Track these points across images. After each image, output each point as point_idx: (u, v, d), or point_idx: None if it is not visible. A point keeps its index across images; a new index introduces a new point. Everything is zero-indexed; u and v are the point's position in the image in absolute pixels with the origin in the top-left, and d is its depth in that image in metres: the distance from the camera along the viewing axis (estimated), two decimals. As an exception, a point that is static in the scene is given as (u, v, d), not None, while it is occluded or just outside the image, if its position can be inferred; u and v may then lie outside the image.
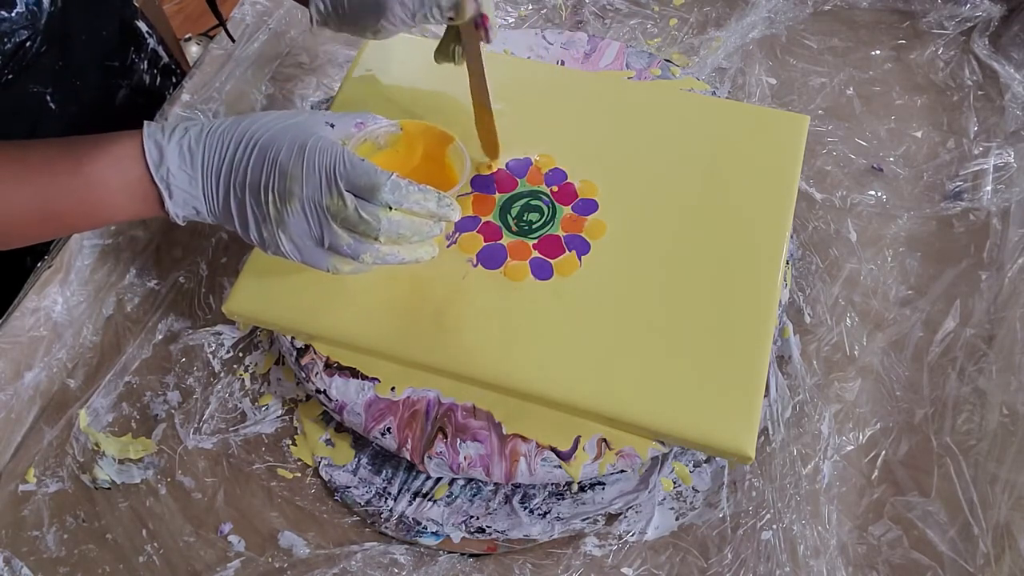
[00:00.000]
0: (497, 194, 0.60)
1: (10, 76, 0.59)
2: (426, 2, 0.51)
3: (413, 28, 0.53)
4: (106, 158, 0.46)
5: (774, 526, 0.53)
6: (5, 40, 0.57)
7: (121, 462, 0.59)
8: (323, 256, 0.47)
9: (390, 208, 0.45)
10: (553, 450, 0.52)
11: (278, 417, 0.60)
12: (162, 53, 0.78)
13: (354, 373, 0.56)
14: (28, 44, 0.59)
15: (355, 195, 0.45)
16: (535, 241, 0.58)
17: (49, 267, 0.60)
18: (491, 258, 0.57)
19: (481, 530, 0.54)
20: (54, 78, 0.63)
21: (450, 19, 0.52)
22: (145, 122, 0.46)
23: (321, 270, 0.48)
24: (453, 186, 0.52)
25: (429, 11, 0.51)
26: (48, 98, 0.63)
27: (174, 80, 0.78)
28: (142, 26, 0.74)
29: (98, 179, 0.46)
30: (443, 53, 0.58)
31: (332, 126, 0.48)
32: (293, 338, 0.57)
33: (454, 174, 0.54)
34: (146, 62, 0.75)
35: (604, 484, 0.55)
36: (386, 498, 0.56)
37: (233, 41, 0.71)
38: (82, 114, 0.67)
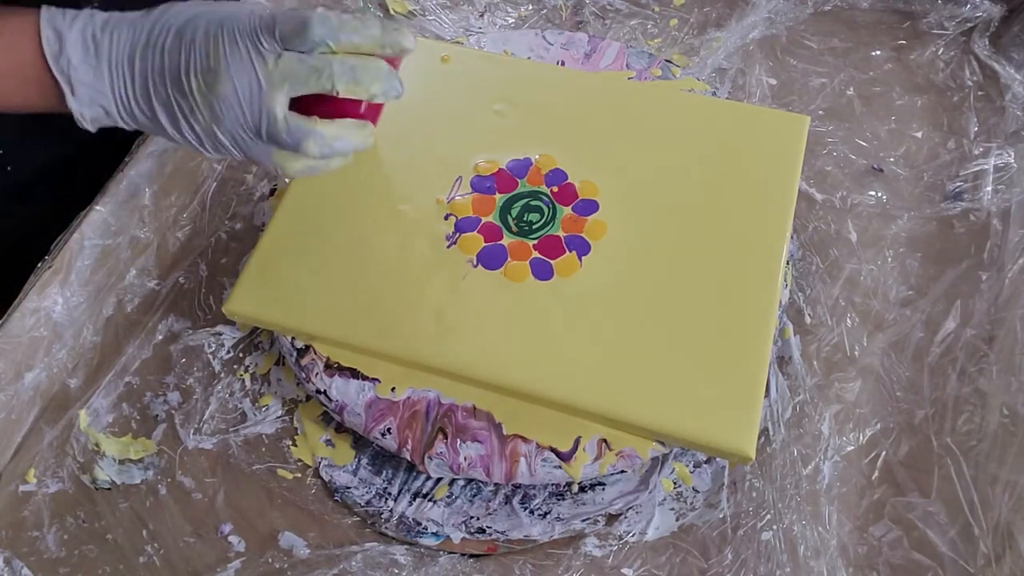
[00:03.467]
0: (497, 194, 0.60)
1: None
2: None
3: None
4: None
5: (774, 527, 0.53)
6: None
7: (121, 462, 0.59)
8: (266, 150, 0.42)
9: (330, 49, 0.39)
10: (553, 450, 0.52)
11: (278, 417, 0.60)
12: None
13: (354, 373, 0.56)
14: None
15: (289, 49, 0.40)
16: (535, 241, 0.58)
17: (49, 267, 0.60)
18: (491, 258, 0.57)
19: (481, 530, 0.54)
20: None
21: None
22: (43, 6, 0.41)
23: (269, 168, 0.43)
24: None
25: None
26: None
27: None
28: None
29: None
30: None
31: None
32: (293, 338, 0.57)
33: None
34: None
35: (604, 484, 0.55)
36: (386, 498, 0.56)
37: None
38: None
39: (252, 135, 0.41)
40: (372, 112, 0.44)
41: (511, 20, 0.81)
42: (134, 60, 0.41)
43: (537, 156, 0.62)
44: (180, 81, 0.40)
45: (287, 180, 0.62)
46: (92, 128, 0.43)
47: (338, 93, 0.41)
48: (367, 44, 0.41)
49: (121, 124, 0.43)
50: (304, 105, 0.42)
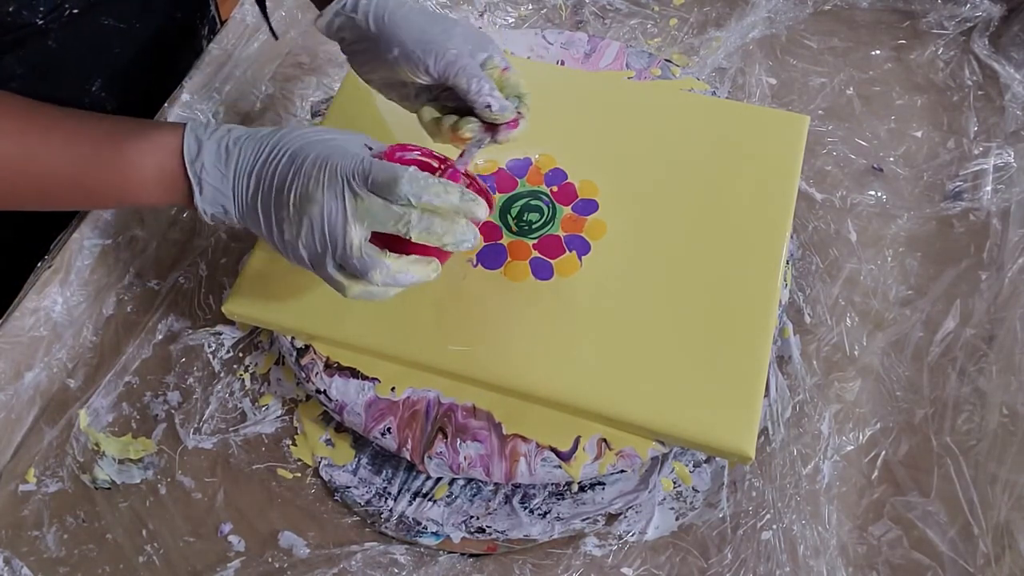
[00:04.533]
0: (497, 194, 0.60)
1: (75, 11, 0.60)
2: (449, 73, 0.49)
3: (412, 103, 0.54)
4: (146, 143, 0.48)
5: (774, 526, 0.53)
6: None
7: (121, 462, 0.59)
8: (331, 271, 0.46)
9: (412, 204, 0.44)
10: (553, 450, 0.52)
11: (278, 417, 0.60)
12: (218, 22, 0.79)
13: (354, 373, 0.56)
14: None
15: (377, 195, 0.44)
16: (535, 241, 0.58)
17: (49, 267, 0.60)
18: (491, 258, 0.57)
19: (481, 530, 0.54)
20: (125, 14, 0.65)
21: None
22: (190, 120, 0.47)
23: (331, 286, 0.47)
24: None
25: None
26: (116, 31, 0.64)
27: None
28: None
29: (134, 161, 0.48)
30: (435, 125, 0.54)
31: (370, 148, 0.47)
32: (293, 338, 0.57)
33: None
34: (206, 28, 0.76)
35: (604, 484, 0.55)
36: (386, 498, 0.56)
37: (276, 38, 0.70)
38: (143, 55, 0.68)
39: (328, 255, 0.46)
40: (442, 252, 0.48)
41: (511, 20, 0.81)
42: (253, 171, 0.47)
43: (537, 156, 0.62)
44: (282, 196, 0.46)
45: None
46: (211, 223, 0.49)
47: (411, 239, 0.45)
48: (445, 208, 0.45)
49: (234, 222, 0.49)
50: (382, 237, 0.46)
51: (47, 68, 0.61)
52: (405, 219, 0.44)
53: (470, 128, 0.51)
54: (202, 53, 0.71)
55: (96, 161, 0.48)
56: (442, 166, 0.50)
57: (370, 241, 0.45)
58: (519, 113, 0.51)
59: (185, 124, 0.48)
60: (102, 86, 0.66)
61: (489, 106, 0.49)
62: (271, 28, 0.68)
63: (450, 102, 0.53)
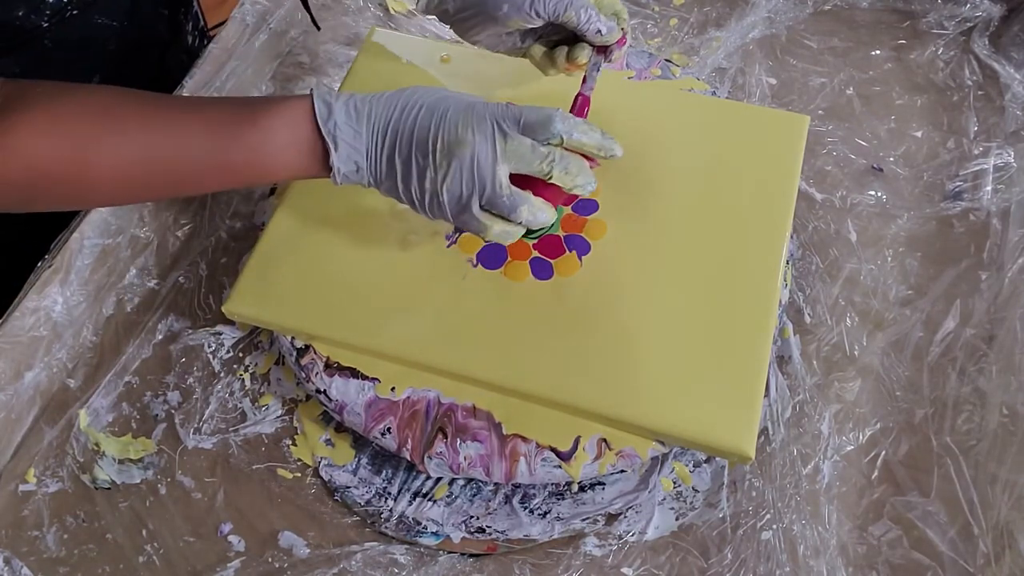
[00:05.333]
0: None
1: (75, 11, 0.61)
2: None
3: (519, 45, 0.57)
4: (278, 116, 0.49)
5: (774, 526, 0.53)
6: None
7: (121, 462, 0.59)
8: (476, 213, 0.48)
9: (561, 143, 0.47)
10: (553, 450, 0.52)
11: (278, 417, 0.60)
12: (201, 18, 0.80)
13: (354, 373, 0.56)
14: None
15: (526, 136, 0.47)
16: (535, 241, 0.58)
17: (49, 267, 0.60)
18: (491, 258, 0.57)
19: (481, 530, 0.54)
20: (117, 12, 0.66)
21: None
22: (313, 86, 0.50)
23: (470, 230, 0.49)
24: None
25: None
26: (110, 29, 0.66)
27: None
28: None
29: (271, 134, 0.49)
30: (548, 60, 0.58)
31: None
32: (293, 338, 0.57)
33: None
34: (190, 24, 0.78)
35: (604, 484, 0.55)
36: (386, 498, 0.56)
37: (319, 28, 0.72)
38: (136, 51, 0.69)
39: (475, 196, 0.48)
40: (558, 198, 0.50)
41: (511, 20, 0.81)
42: (388, 125, 0.48)
43: (537, 156, 0.62)
44: (426, 144, 0.48)
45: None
46: (340, 183, 0.50)
47: (549, 178, 0.48)
48: (591, 144, 0.49)
49: (365, 180, 0.50)
50: (512, 181, 0.49)
51: (44, 68, 0.61)
52: (550, 158, 0.47)
53: (585, 53, 0.55)
54: (188, 49, 0.72)
55: (235, 142, 0.49)
56: None
57: None
58: (623, 31, 0.55)
59: (310, 91, 0.49)
60: (99, 83, 0.66)
61: (599, 31, 0.54)
62: (312, 18, 0.70)
63: (554, 36, 0.57)
